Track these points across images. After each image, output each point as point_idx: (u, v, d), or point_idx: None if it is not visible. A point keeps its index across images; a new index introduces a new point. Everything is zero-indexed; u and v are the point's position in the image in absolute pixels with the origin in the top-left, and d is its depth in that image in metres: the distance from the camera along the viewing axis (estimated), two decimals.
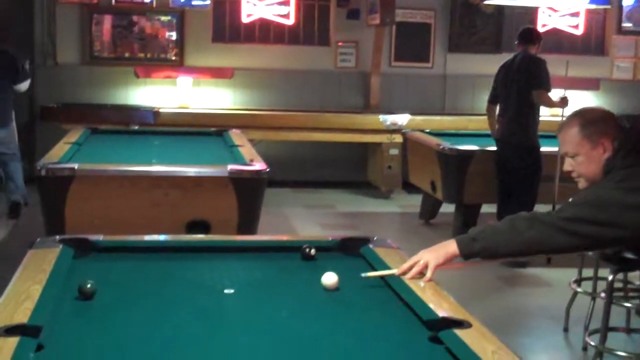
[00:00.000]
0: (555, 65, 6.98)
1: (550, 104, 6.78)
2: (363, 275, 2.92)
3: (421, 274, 2.86)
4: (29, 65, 8.28)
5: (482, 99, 10.07)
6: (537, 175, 6.69)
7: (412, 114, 9.25)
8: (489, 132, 7.74)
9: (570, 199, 3.05)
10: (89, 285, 2.63)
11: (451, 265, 2.92)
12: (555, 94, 6.83)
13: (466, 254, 2.91)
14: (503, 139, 6.77)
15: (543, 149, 6.72)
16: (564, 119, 3.25)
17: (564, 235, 2.86)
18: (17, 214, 7.80)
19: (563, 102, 6.80)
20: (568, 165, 3.05)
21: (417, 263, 2.88)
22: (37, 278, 2.72)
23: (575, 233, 2.85)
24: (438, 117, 9.38)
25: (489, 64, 9.84)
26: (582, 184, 3.12)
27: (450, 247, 2.92)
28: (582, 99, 10.28)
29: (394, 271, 2.90)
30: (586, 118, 3.09)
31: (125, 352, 2.22)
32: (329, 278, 2.83)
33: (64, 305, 2.58)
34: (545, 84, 6.63)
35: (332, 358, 2.24)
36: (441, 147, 7.05)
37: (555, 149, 6.63)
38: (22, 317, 2.33)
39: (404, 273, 2.87)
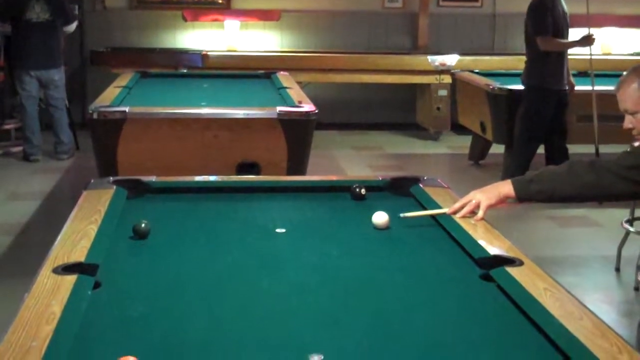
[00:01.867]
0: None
1: (555, 46, 6.50)
2: (401, 215, 2.90)
3: (472, 213, 2.86)
4: (76, 9, 8.39)
5: None
6: (526, 115, 6.65)
7: (461, 54, 9.14)
8: None
9: (628, 148, 3.01)
10: (143, 225, 2.67)
11: (502, 205, 2.91)
12: (579, 33, 6.69)
13: (521, 196, 2.89)
14: None
15: (579, 88, 6.67)
16: (623, 75, 3.14)
17: (622, 182, 2.83)
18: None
19: (586, 40, 6.60)
20: (628, 122, 2.97)
21: (468, 202, 2.87)
22: (92, 218, 2.77)
23: (634, 181, 2.82)
24: (487, 57, 9.24)
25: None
26: None
27: (504, 188, 2.91)
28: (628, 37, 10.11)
29: (445, 210, 2.90)
30: None
31: (179, 289, 2.26)
32: (380, 217, 2.84)
33: (119, 244, 2.63)
34: (538, 29, 6.49)
35: (383, 296, 2.26)
36: (491, 87, 6.98)
37: (587, 87, 6.59)
38: (79, 255, 2.38)
39: (455, 212, 2.87)
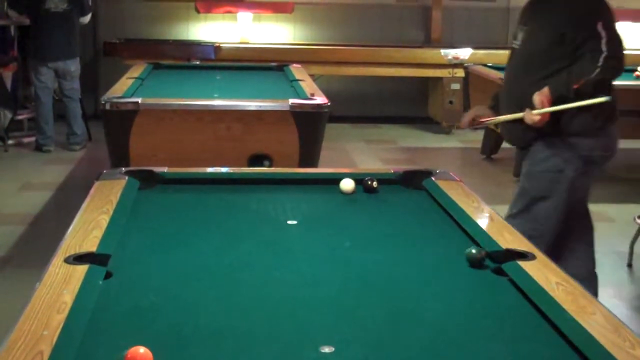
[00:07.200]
0: None
1: None
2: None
3: None
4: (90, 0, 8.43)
5: None
6: None
7: (474, 48, 9.11)
8: None
9: None
10: (474, 251, 2.41)
11: None
12: None
13: None
14: None
15: None
16: None
17: None
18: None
19: None
20: None
21: None
22: (104, 208, 2.77)
23: None
24: (501, 51, 9.15)
25: None
26: None
27: None
28: None
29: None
30: None
31: (190, 280, 2.26)
32: (347, 183, 3.05)
33: (130, 234, 2.63)
34: None
35: (394, 288, 2.25)
36: None
37: None
38: (90, 245, 2.38)
39: None
